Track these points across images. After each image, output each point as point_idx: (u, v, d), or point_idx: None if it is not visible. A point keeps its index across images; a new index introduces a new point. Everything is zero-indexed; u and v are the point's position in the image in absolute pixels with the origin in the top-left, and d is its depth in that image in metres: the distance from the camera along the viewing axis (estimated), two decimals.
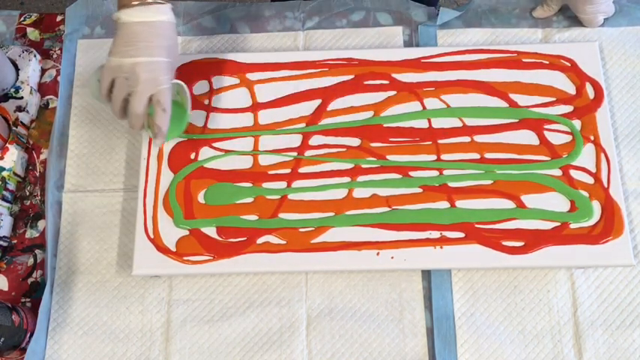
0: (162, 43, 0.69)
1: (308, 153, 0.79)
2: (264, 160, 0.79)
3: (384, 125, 0.79)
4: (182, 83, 0.73)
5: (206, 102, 0.82)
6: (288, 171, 0.78)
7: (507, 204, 0.75)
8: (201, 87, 0.82)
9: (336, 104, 0.81)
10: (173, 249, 0.75)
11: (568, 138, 0.78)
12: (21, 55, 0.85)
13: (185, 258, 0.74)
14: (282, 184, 0.77)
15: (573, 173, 0.76)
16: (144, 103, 0.69)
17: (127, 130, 0.83)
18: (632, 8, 0.85)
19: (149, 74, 0.68)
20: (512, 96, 0.80)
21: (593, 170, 0.76)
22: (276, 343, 0.73)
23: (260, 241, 0.75)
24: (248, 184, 0.78)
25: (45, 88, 0.87)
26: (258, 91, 0.82)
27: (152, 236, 0.75)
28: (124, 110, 0.72)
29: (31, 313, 0.74)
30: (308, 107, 0.81)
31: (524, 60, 0.82)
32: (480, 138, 0.78)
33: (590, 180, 0.76)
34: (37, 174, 0.82)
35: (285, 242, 0.75)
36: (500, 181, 0.76)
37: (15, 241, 0.79)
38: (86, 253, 0.78)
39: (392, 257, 0.73)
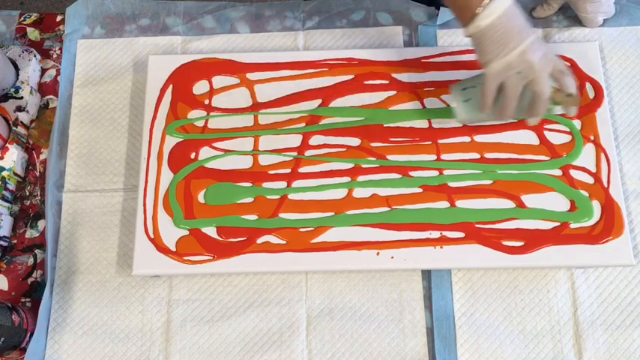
0: (522, 21, 0.66)
1: (308, 153, 0.79)
2: (264, 160, 0.79)
3: (384, 125, 0.79)
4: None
5: (206, 102, 0.82)
6: (288, 171, 0.78)
7: (507, 204, 0.75)
8: (201, 87, 0.82)
9: (336, 104, 0.81)
10: (173, 249, 0.75)
11: (568, 138, 0.78)
12: (21, 55, 0.85)
13: (185, 258, 0.74)
14: (282, 184, 0.77)
15: (573, 173, 0.76)
16: (548, 81, 0.66)
17: (127, 130, 0.83)
18: (632, 8, 0.85)
19: (539, 53, 0.65)
20: None
21: (593, 170, 0.76)
22: (276, 343, 0.73)
23: (260, 241, 0.75)
24: (248, 184, 0.78)
25: (45, 88, 0.87)
26: (258, 91, 0.82)
27: (152, 236, 0.75)
28: (516, 108, 0.69)
29: (31, 313, 0.74)
30: (308, 107, 0.81)
31: None
32: (479, 138, 0.78)
33: (590, 180, 0.76)
34: (37, 174, 0.82)
35: (285, 242, 0.75)
36: (500, 181, 0.76)
37: (15, 241, 0.79)
38: (86, 253, 0.78)
39: (392, 257, 0.73)
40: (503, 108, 0.69)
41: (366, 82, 0.82)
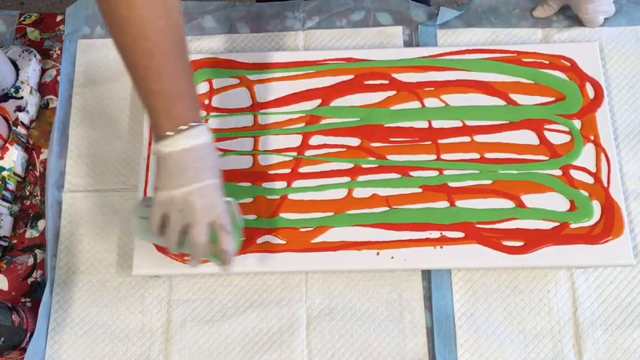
0: (207, 164, 0.63)
1: (308, 153, 0.79)
2: (264, 160, 0.79)
3: (384, 125, 0.79)
4: (231, 200, 0.67)
5: (206, 102, 0.82)
6: (288, 171, 0.78)
7: (507, 204, 0.75)
8: (201, 87, 0.82)
9: (336, 104, 0.81)
10: None
11: (568, 138, 0.78)
12: (21, 55, 0.85)
13: (185, 258, 0.74)
14: (282, 184, 0.77)
15: (573, 173, 0.76)
16: (205, 231, 0.63)
17: (127, 130, 0.83)
18: (632, 8, 0.85)
19: (204, 200, 0.63)
20: (512, 96, 0.80)
21: (593, 170, 0.76)
22: (276, 343, 0.73)
23: (260, 241, 0.75)
24: (248, 184, 0.78)
25: (45, 88, 0.87)
26: (258, 91, 0.82)
27: None
28: (180, 243, 0.65)
29: (31, 313, 0.74)
30: (308, 107, 0.81)
31: (524, 60, 0.82)
32: (480, 138, 0.78)
33: (590, 180, 0.76)
34: (37, 174, 0.82)
35: (285, 242, 0.75)
36: (500, 181, 0.76)
37: (15, 241, 0.79)
38: (86, 253, 0.78)
39: (392, 257, 0.73)
40: (166, 239, 0.65)
41: (366, 82, 0.82)
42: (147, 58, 0.60)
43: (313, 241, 0.74)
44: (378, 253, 0.73)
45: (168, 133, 0.61)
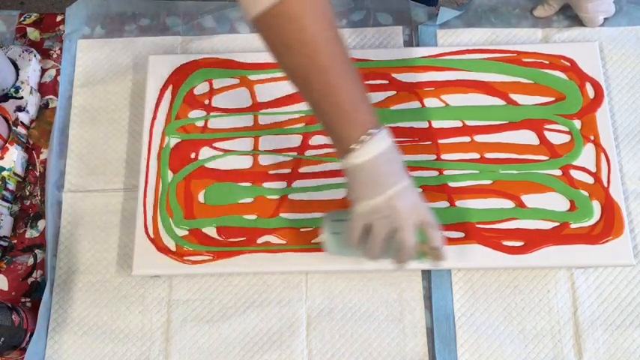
0: (399, 165, 0.62)
1: (308, 153, 0.79)
2: (264, 160, 0.79)
3: (384, 125, 0.79)
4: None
5: (206, 102, 0.82)
6: (288, 171, 0.78)
7: (507, 204, 0.75)
8: (201, 87, 0.82)
9: None
10: (173, 249, 0.75)
11: (568, 138, 0.78)
12: (21, 55, 0.85)
13: (185, 258, 0.74)
14: (282, 184, 0.77)
15: (573, 173, 0.76)
16: (414, 232, 0.62)
17: (127, 130, 0.83)
18: (632, 8, 0.85)
19: (407, 201, 0.61)
20: (512, 96, 0.80)
21: (593, 170, 0.76)
22: (276, 343, 0.73)
23: (260, 240, 0.75)
24: (248, 184, 0.78)
25: (45, 88, 0.87)
26: (258, 91, 0.82)
27: (152, 236, 0.75)
28: (382, 251, 0.64)
29: (31, 313, 0.74)
30: (308, 107, 0.81)
31: (524, 60, 0.82)
32: (479, 138, 0.78)
33: (590, 180, 0.76)
34: (37, 174, 0.82)
35: (285, 242, 0.75)
36: (500, 181, 0.76)
37: (15, 241, 0.79)
38: (86, 253, 0.78)
39: None
40: (368, 249, 0.64)
41: (366, 82, 0.81)
42: (325, 74, 0.59)
43: (313, 241, 0.74)
44: None
45: (353, 146, 0.60)
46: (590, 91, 0.80)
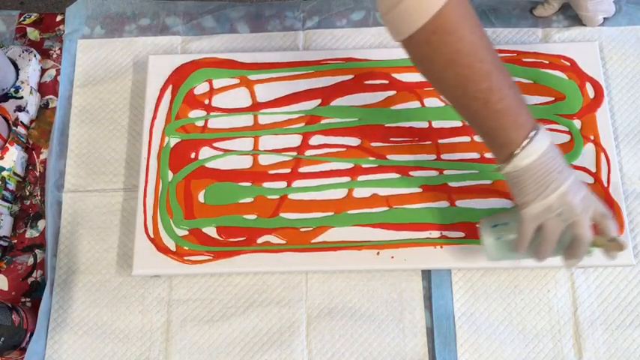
0: (562, 160, 0.62)
1: (308, 153, 0.79)
2: (264, 159, 0.79)
3: (384, 125, 0.79)
4: None
5: (206, 102, 0.82)
6: (288, 171, 0.78)
7: (507, 204, 0.75)
8: (201, 87, 0.82)
9: (336, 104, 0.81)
10: (173, 249, 0.75)
11: (568, 138, 0.78)
12: (21, 55, 0.85)
13: (185, 258, 0.74)
14: (282, 184, 0.77)
15: None
16: (590, 225, 0.62)
17: (127, 130, 0.83)
18: (632, 8, 0.85)
19: (579, 195, 0.61)
20: None
21: (593, 170, 0.76)
22: (276, 343, 0.73)
23: (260, 240, 0.75)
24: (248, 184, 0.78)
25: (45, 88, 0.87)
26: (258, 91, 0.82)
27: (152, 236, 0.75)
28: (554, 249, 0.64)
29: (31, 313, 0.74)
30: (307, 107, 0.81)
31: (524, 60, 0.82)
32: (480, 138, 0.78)
33: (590, 180, 0.76)
34: (37, 174, 0.82)
35: (285, 242, 0.75)
36: (500, 181, 0.76)
37: (15, 241, 0.79)
38: (86, 253, 0.78)
39: (392, 257, 0.73)
40: (540, 250, 0.64)
41: (366, 82, 0.82)
42: (487, 81, 0.58)
43: (313, 241, 0.74)
44: (378, 253, 0.73)
45: (515, 151, 0.60)
46: (590, 91, 0.80)
